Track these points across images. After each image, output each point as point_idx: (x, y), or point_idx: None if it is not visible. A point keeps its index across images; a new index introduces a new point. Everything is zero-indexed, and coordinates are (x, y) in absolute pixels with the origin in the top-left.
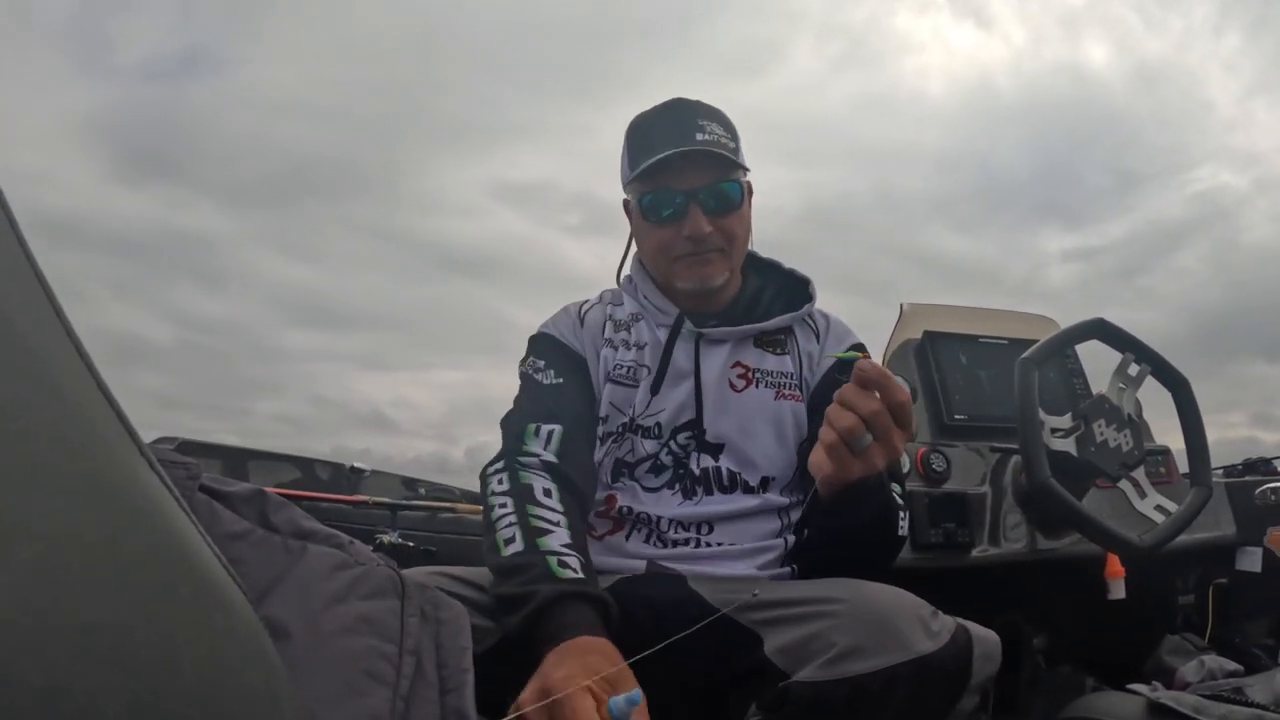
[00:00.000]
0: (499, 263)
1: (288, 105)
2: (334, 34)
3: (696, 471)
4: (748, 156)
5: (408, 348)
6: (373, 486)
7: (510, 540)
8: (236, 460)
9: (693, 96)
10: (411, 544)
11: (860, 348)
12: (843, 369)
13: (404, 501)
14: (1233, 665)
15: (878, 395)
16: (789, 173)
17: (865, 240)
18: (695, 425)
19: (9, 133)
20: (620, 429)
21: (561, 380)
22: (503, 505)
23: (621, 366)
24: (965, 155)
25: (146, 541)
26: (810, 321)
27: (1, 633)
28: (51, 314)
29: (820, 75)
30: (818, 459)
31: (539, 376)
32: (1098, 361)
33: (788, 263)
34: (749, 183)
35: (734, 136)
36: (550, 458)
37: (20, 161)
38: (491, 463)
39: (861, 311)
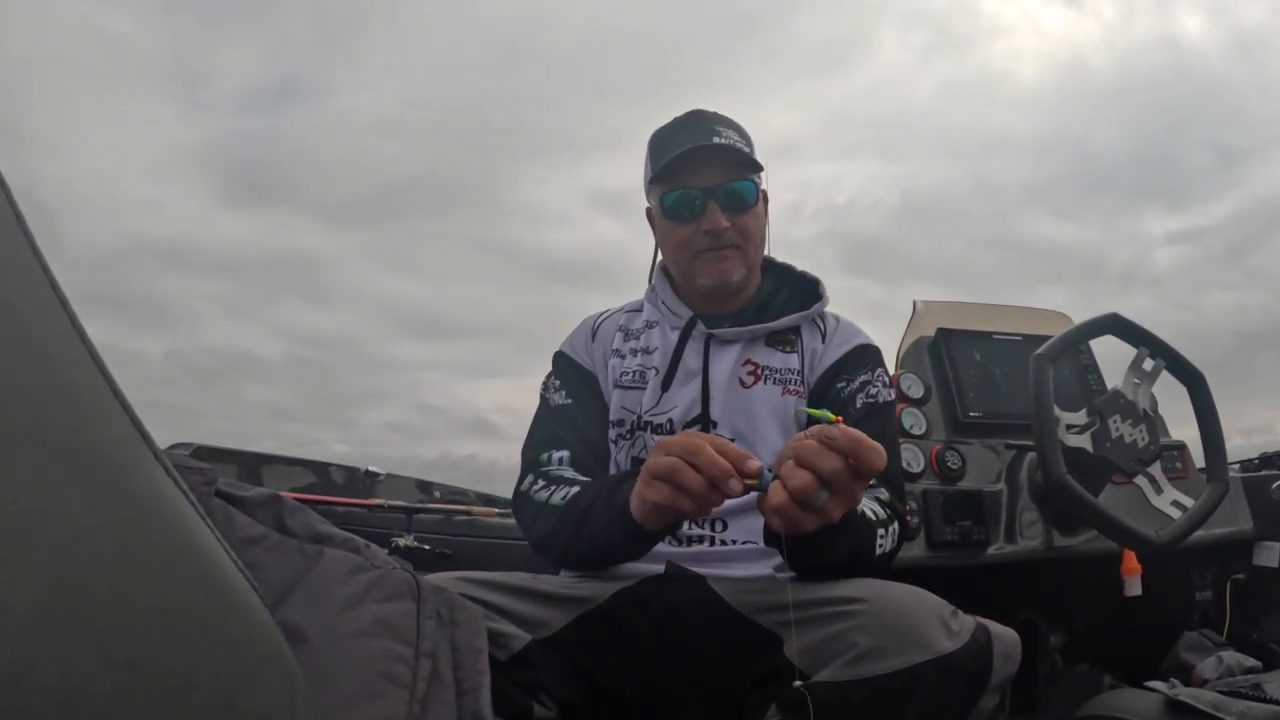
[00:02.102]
0: (597, 269)
1: (384, 126)
2: (425, 54)
3: None
4: (842, 154)
5: (511, 355)
6: (387, 490)
7: (565, 495)
8: (251, 465)
9: (780, 97)
10: (427, 547)
11: (869, 349)
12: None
13: (419, 505)
14: (1251, 661)
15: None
16: (883, 167)
17: (964, 232)
18: (704, 419)
19: (122, 166)
20: (631, 427)
21: (570, 401)
22: (548, 489)
23: (628, 373)
24: (1061, 138)
25: (163, 547)
26: (819, 322)
27: (19, 636)
28: (66, 321)
29: (908, 66)
30: (766, 508)
31: (553, 396)
32: (1114, 361)
33: (873, 259)
34: (765, 191)
35: (749, 143)
36: (567, 468)
37: (133, 193)
38: (520, 482)
39: None
